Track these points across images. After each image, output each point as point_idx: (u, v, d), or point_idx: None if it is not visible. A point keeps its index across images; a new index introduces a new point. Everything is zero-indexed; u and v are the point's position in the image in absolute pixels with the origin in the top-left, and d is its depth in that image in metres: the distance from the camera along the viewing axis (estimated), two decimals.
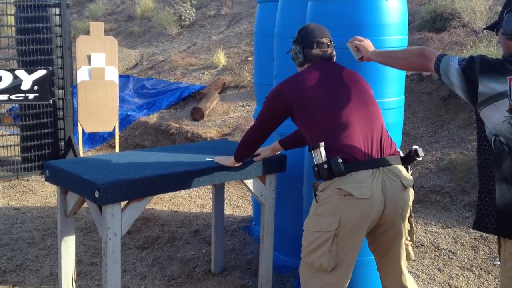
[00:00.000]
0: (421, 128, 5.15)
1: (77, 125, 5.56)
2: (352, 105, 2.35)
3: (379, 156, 2.30)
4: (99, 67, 5.39)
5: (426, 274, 3.42)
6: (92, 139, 6.65)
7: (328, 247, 2.24)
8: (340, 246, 2.24)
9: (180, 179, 2.67)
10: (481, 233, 3.82)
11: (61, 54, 5.43)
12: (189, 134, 6.18)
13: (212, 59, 8.12)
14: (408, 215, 2.36)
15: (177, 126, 6.42)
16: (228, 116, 6.49)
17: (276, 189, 3.09)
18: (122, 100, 7.18)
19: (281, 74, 3.41)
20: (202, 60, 8.41)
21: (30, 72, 5.03)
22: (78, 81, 5.36)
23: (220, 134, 6.09)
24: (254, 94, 4.28)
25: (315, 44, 2.52)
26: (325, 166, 2.26)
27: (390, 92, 2.83)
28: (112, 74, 5.48)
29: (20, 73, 5.00)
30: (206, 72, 7.95)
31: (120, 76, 7.08)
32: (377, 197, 2.23)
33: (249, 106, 6.60)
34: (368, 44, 2.46)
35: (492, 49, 5.13)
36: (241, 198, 4.91)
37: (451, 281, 3.33)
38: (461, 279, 3.35)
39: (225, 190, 4.64)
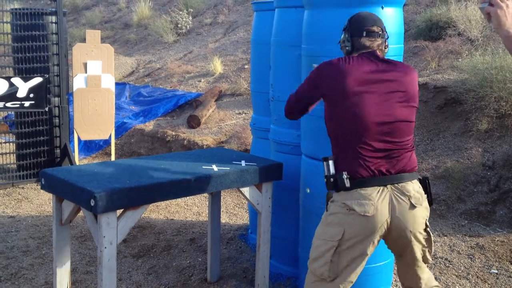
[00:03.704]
0: (417, 136, 5.16)
1: (73, 132, 5.55)
2: (376, 121, 2.24)
3: (390, 173, 2.25)
4: (96, 75, 5.39)
5: None
6: (88, 146, 6.64)
7: (330, 256, 2.25)
8: (342, 257, 2.25)
9: (176, 187, 2.67)
10: (477, 241, 3.82)
11: (57, 62, 5.43)
12: (185, 141, 6.17)
13: (208, 67, 8.13)
14: (421, 229, 2.30)
15: (173, 133, 6.41)
16: (224, 124, 6.49)
17: (272, 197, 3.09)
18: (118, 108, 7.17)
19: (277, 83, 3.42)
20: (198, 68, 8.42)
21: (26, 79, 5.02)
22: (74, 89, 5.36)
23: (217, 142, 6.08)
24: (251, 102, 4.28)
25: (364, 33, 2.35)
26: (331, 179, 2.29)
27: None
28: (109, 82, 5.48)
29: (16, 80, 4.99)
30: (202, 80, 7.95)
31: (117, 84, 7.08)
32: (382, 215, 2.21)
33: (245, 113, 6.61)
34: (505, 15, 1.83)
35: (487, 57, 5.15)
36: (237, 206, 4.90)
37: None
38: (457, 287, 3.35)
39: (222, 198, 4.63)
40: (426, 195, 2.33)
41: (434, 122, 5.27)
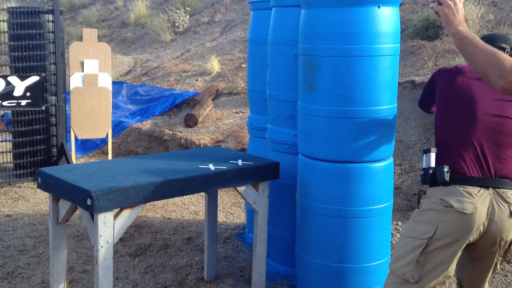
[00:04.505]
0: (413, 135, 5.17)
1: (69, 131, 5.54)
2: (487, 115, 2.23)
3: (493, 176, 2.19)
4: (92, 74, 5.38)
5: None
6: (85, 145, 6.63)
7: (416, 256, 2.16)
8: (429, 259, 2.15)
9: (173, 187, 2.67)
10: None
11: (54, 61, 5.41)
12: (182, 140, 6.17)
13: (205, 66, 8.12)
14: (510, 239, 2.22)
15: (170, 132, 6.40)
16: (221, 123, 6.49)
17: (269, 196, 3.09)
18: (115, 107, 7.16)
19: (274, 82, 3.42)
20: (195, 67, 8.41)
21: (22, 78, 5.02)
22: (71, 88, 5.35)
23: (214, 141, 6.08)
24: (248, 101, 4.28)
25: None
26: (430, 171, 2.22)
27: (383, 100, 2.84)
28: (105, 81, 5.47)
29: (13, 79, 4.98)
30: (199, 79, 7.95)
31: (114, 83, 7.07)
32: (480, 217, 2.14)
33: (242, 113, 6.60)
34: (453, 13, 1.88)
35: None
36: (234, 205, 4.91)
37: None
38: (453, 286, 3.35)
39: (219, 197, 4.63)
40: None
41: (430, 121, 5.28)
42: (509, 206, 2.17)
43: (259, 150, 3.68)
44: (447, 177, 2.17)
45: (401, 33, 4.00)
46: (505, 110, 2.25)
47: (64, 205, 2.72)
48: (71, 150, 5.44)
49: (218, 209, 4.01)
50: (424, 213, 2.23)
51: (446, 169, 2.18)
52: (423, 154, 2.30)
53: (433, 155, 2.25)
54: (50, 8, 5.41)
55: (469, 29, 1.76)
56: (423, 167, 2.26)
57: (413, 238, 2.20)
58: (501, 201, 2.17)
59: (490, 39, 2.36)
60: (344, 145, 2.85)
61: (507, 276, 3.38)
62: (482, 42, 1.73)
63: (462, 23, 1.78)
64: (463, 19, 1.80)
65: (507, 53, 2.31)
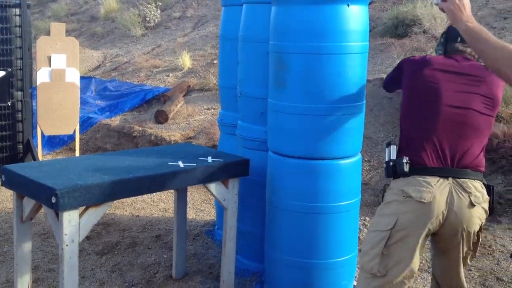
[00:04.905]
0: (382, 132, 5.23)
1: (36, 127, 5.42)
2: (451, 107, 2.26)
3: (454, 167, 2.22)
4: (60, 69, 5.28)
5: None
6: (52, 142, 6.50)
7: (381, 249, 2.20)
8: (392, 251, 2.19)
9: (141, 184, 2.63)
10: None
11: (20, 55, 5.27)
12: (152, 137, 6.11)
13: (177, 62, 8.06)
14: (474, 231, 2.26)
15: (140, 129, 6.33)
16: (192, 119, 6.45)
17: (239, 193, 3.08)
18: (84, 102, 7.05)
19: (245, 78, 3.41)
20: (167, 62, 8.33)
21: None
22: (38, 83, 5.24)
23: (185, 138, 6.04)
24: (219, 98, 4.26)
25: (459, 38, 2.38)
26: (391, 164, 2.28)
27: (352, 97, 2.86)
28: (73, 76, 5.37)
29: None
30: (170, 75, 7.88)
31: (82, 78, 6.95)
32: (439, 206, 2.17)
33: (214, 109, 6.57)
34: (459, 9, 1.76)
35: None
36: (204, 202, 4.88)
37: None
38: (419, 279, 3.40)
39: (189, 194, 4.60)
40: (488, 199, 2.28)
41: (398, 118, 5.35)
42: (469, 196, 2.21)
43: (230, 147, 3.67)
44: (406, 168, 2.22)
45: (371, 31, 4.04)
46: (469, 102, 2.28)
47: (29, 203, 2.66)
48: (37, 147, 5.34)
49: (188, 206, 3.99)
50: (387, 205, 2.28)
51: (405, 160, 2.23)
52: (386, 147, 2.36)
53: (394, 148, 2.30)
54: (17, 2, 5.28)
55: (478, 23, 1.69)
56: (386, 160, 2.32)
57: (378, 231, 2.25)
58: (460, 191, 2.21)
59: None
60: (313, 142, 2.86)
61: (471, 270, 3.45)
62: (493, 37, 1.65)
63: (471, 18, 1.70)
64: (470, 13, 1.72)
65: None
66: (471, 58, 2.41)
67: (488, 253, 3.54)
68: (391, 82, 2.72)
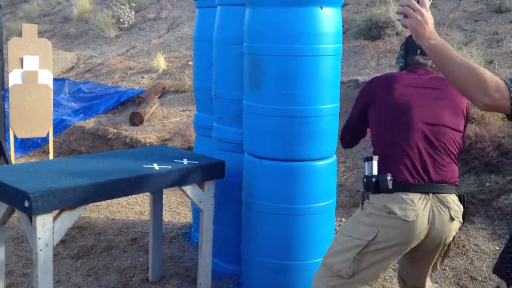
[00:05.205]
0: None
1: (8, 130, 5.33)
2: (424, 124, 2.27)
3: (432, 182, 2.24)
4: (32, 70, 5.20)
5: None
6: (25, 144, 6.40)
7: (353, 254, 2.20)
8: (366, 258, 2.20)
9: (115, 187, 2.62)
10: None
11: None
12: (127, 139, 6.06)
13: (152, 63, 8.01)
14: (449, 241, 2.31)
15: (115, 131, 6.28)
16: (168, 121, 6.42)
17: (215, 196, 3.08)
18: (57, 104, 6.95)
19: (220, 80, 3.41)
20: (141, 64, 8.28)
21: None
22: (10, 85, 5.15)
23: (160, 140, 6.01)
24: (194, 99, 4.26)
25: (419, 51, 2.39)
26: (373, 180, 2.23)
27: (326, 99, 2.89)
28: (46, 78, 5.30)
29: None
30: (145, 76, 7.83)
31: (55, 79, 6.86)
32: (422, 224, 2.18)
33: (189, 111, 6.56)
34: (422, 26, 1.66)
35: None
36: (180, 205, 4.86)
37: None
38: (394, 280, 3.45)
39: (165, 196, 4.58)
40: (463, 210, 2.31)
41: None
42: (449, 211, 2.23)
43: (205, 149, 3.66)
44: (390, 185, 2.21)
45: (344, 33, 4.08)
46: (441, 118, 2.30)
47: (1, 207, 2.62)
48: (9, 150, 5.24)
49: (164, 208, 3.97)
50: (367, 215, 2.27)
51: (389, 177, 2.21)
52: (365, 162, 2.31)
53: (375, 163, 2.26)
54: None
55: (442, 40, 1.65)
56: (366, 174, 2.28)
57: (353, 238, 2.24)
58: (441, 206, 2.23)
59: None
60: (288, 143, 2.88)
61: (445, 270, 3.51)
62: (458, 56, 1.61)
63: (434, 34, 1.64)
64: (433, 28, 1.66)
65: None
66: (431, 71, 2.43)
67: (462, 253, 3.60)
68: (360, 115, 2.50)
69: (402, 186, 2.21)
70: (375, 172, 2.26)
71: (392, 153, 2.28)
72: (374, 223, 2.21)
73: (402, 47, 2.52)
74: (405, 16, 1.68)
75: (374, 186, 2.23)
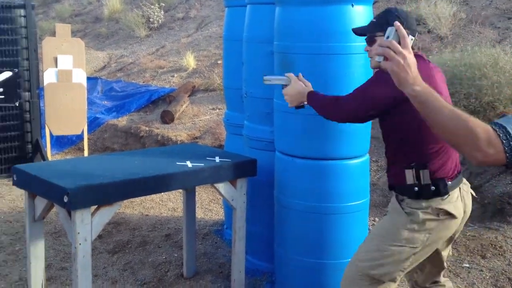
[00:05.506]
0: None
1: (44, 127, 5.48)
2: None
3: (460, 172, 2.24)
4: (66, 69, 5.33)
5: None
6: (60, 142, 6.56)
7: (408, 264, 2.17)
8: (413, 262, 2.20)
9: (150, 184, 2.67)
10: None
11: (27, 56, 5.34)
12: (159, 137, 6.15)
13: (181, 62, 8.10)
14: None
15: (147, 129, 6.38)
16: (198, 119, 6.49)
17: (247, 193, 3.11)
18: (91, 103, 7.10)
19: (250, 78, 3.44)
20: (171, 63, 8.38)
21: None
22: (45, 83, 5.29)
23: (191, 137, 6.08)
24: (224, 98, 4.30)
25: (417, 33, 2.29)
26: (432, 188, 2.13)
27: None
28: (80, 76, 5.43)
29: None
30: (175, 75, 7.92)
31: (88, 78, 7.01)
32: (462, 215, 2.21)
33: (219, 109, 6.61)
34: (404, 70, 1.45)
35: (457, 54, 5.26)
36: (212, 202, 4.92)
37: None
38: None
39: (197, 194, 4.64)
40: None
41: None
42: (468, 187, 2.28)
43: (236, 147, 3.70)
44: (448, 187, 2.16)
45: None
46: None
47: (41, 203, 2.70)
48: (46, 147, 5.39)
49: (196, 205, 4.02)
50: (418, 224, 2.16)
51: (449, 182, 2.16)
52: (411, 170, 2.16)
53: (427, 172, 2.15)
54: (22, 2, 5.33)
55: (427, 86, 1.46)
56: (414, 182, 2.15)
57: (405, 246, 2.16)
58: (467, 194, 2.26)
59: (414, 21, 2.35)
60: (320, 142, 2.88)
61: (482, 271, 3.46)
62: (447, 105, 1.44)
63: (417, 79, 1.45)
64: (417, 72, 1.46)
65: (411, 40, 2.15)
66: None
67: (499, 254, 3.55)
68: (389, 102, 2.19)
69: (451, 185, 2.18)
70: (428, 180, 2.12)
71: (436, 150, 2.17)
72: (427, 229, 2.16)
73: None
74: (386, 58, 1.48)
75: (432, 193, 2.14)
